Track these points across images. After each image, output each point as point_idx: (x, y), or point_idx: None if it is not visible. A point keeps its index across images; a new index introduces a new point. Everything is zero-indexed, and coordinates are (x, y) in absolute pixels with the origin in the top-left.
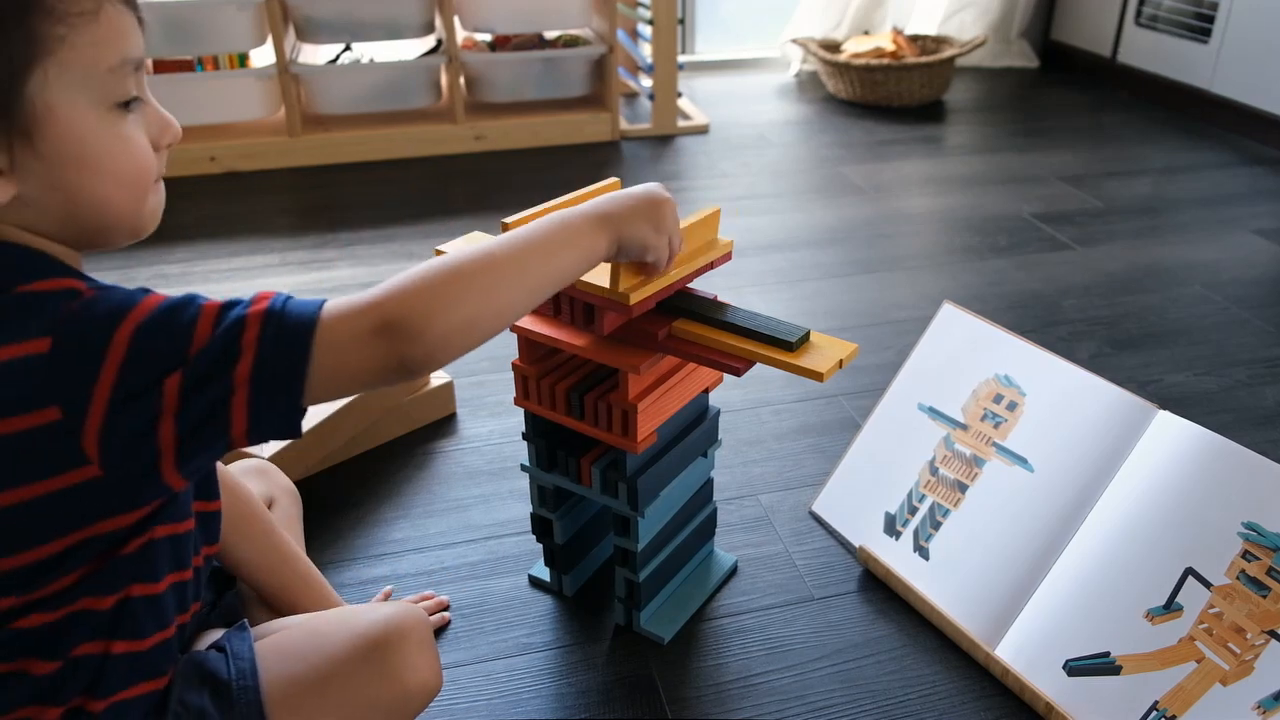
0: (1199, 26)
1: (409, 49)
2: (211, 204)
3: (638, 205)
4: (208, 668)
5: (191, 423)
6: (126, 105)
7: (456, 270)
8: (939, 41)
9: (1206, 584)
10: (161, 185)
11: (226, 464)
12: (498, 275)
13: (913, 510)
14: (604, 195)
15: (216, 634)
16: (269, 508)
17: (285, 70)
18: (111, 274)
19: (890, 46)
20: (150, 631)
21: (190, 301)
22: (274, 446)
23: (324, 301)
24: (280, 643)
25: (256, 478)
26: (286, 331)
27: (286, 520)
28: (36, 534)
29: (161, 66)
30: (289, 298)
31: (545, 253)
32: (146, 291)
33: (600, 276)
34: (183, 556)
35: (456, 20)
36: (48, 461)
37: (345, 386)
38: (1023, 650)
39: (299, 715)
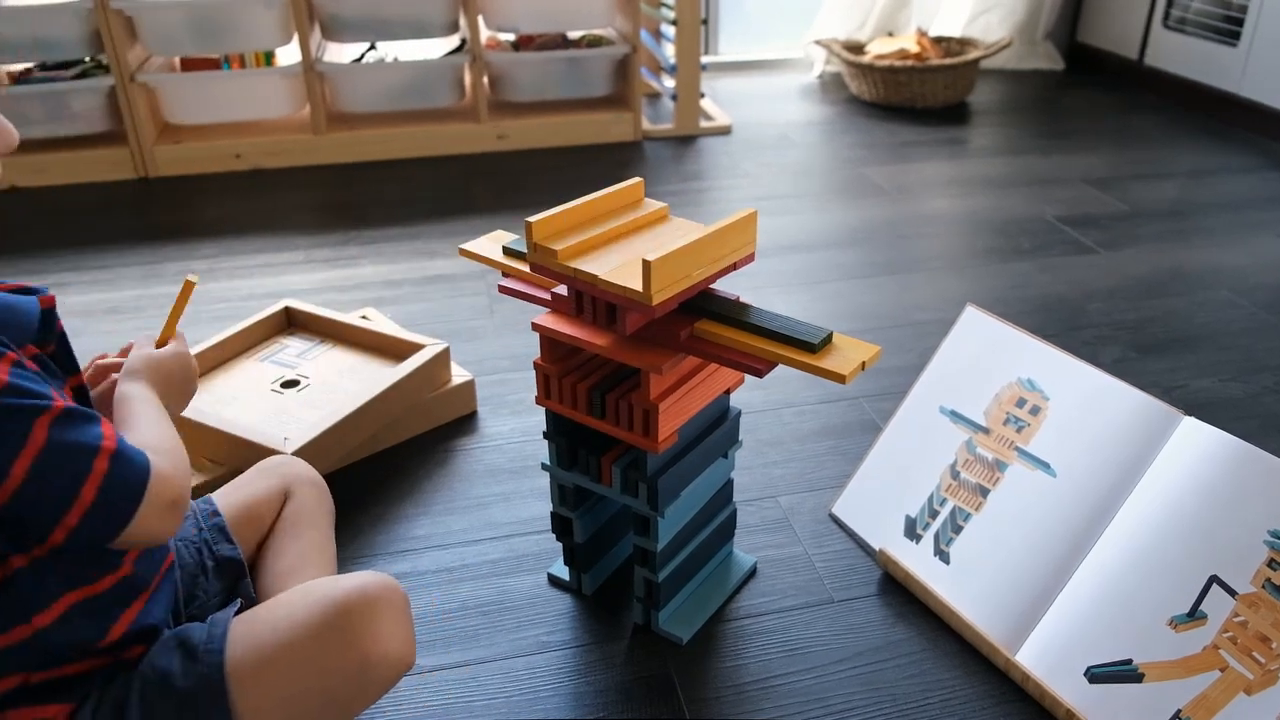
0: (1228, 29)
1: (433, 48)
2: (236, 201)
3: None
4: (185, 635)
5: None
6: None
7: (179, 448)
8: (963, 43)
9: (1231, 592)
10: None
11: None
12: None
13: (934, 514)
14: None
15: None
16: (285, 500)
17: (311, 68)
18: (138, 269)
19: (914, 48)
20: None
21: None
22: (296, 443)
23: (149, 466)
24: (254, 612)
25: (273, 472)
26: (119, 485)
27: (306, 511)
28: None
29: (189, 64)
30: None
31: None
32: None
33: (625, 277)
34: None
35: (480, 20)
36: None
37: (140, 542)
38: (1044, 656)
39: (258, 678)
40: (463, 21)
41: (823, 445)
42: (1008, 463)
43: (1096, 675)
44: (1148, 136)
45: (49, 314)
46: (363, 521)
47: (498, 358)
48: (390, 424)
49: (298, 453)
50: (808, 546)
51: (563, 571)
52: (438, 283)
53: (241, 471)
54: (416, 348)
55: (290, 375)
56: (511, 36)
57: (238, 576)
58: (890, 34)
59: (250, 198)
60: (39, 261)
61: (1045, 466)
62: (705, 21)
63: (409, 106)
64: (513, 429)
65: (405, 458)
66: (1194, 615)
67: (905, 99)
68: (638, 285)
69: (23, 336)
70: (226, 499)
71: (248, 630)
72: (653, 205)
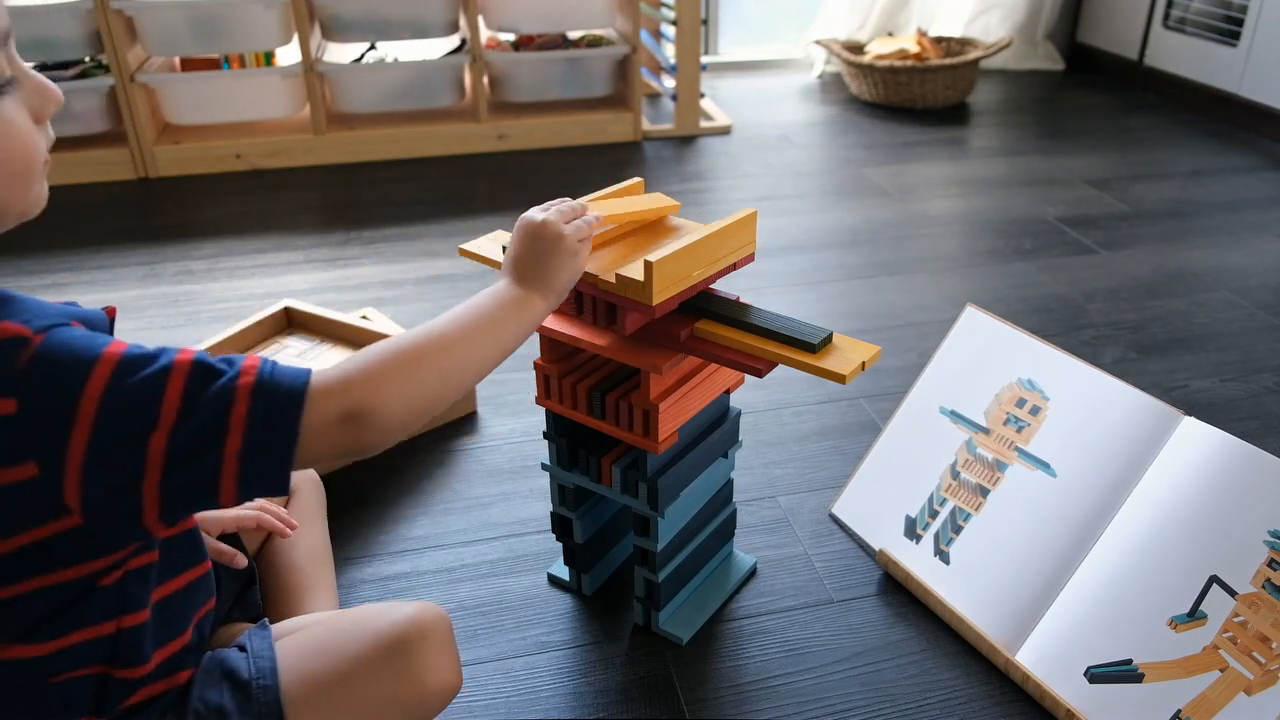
0: (1228, 29)
1: (433, 48)
2: (236, 201)
3: (543, 249)
4: (228, 666)
5: (177, 486)
6: (1, 89)
7: (414, 357)
8: (963, 43)
9: (1231, 592)
10: (48, 166)
11: None
12: (450, 359)
13: (933, 514)
14: (511, 255)
15: (239, 629)
16: (291, 496)
17: (311, 69)
18: (138, 269)
19: (914, 48)
20: (148, 655)
21: (157, 355)
22: None
23: (307, 377)
24: (301, 641)
25: None
26: (275, 411)
27: (308, 509)
28: (13, 577)
29: (189, 64)
30: (273, 369)
31: (492, 329)
32: (101, 337)
33: (625, 277)
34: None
35: (480, 20)
36: (30, 512)
37: (308, 464)
38: (1044, 656)
39: (318, 714)
40: (463, 21)
41: (823, 445)
42: (1008, 463)
43: (1096, 675)
44: (1148, 136)
45: (111, 325)
46: (363, 521)
47: None
48: None
49: None
50: (807, 547)
51: (563, 571)
52: (438, 283)
53: None
54: None
55: None
56: (511, 36)
57: (248, 583)
58: (890, 34)
59: (250, 198)
60: (39, 261)
61: (1045, 466)
62: (705, 21)
63: (409, 106)
64: (512, 429)
65: (405, 458)
66: (1194, 615)
67: (905, 99)
68: (638, 286)
69: None
70: None
71: (299, 663)
72: None
